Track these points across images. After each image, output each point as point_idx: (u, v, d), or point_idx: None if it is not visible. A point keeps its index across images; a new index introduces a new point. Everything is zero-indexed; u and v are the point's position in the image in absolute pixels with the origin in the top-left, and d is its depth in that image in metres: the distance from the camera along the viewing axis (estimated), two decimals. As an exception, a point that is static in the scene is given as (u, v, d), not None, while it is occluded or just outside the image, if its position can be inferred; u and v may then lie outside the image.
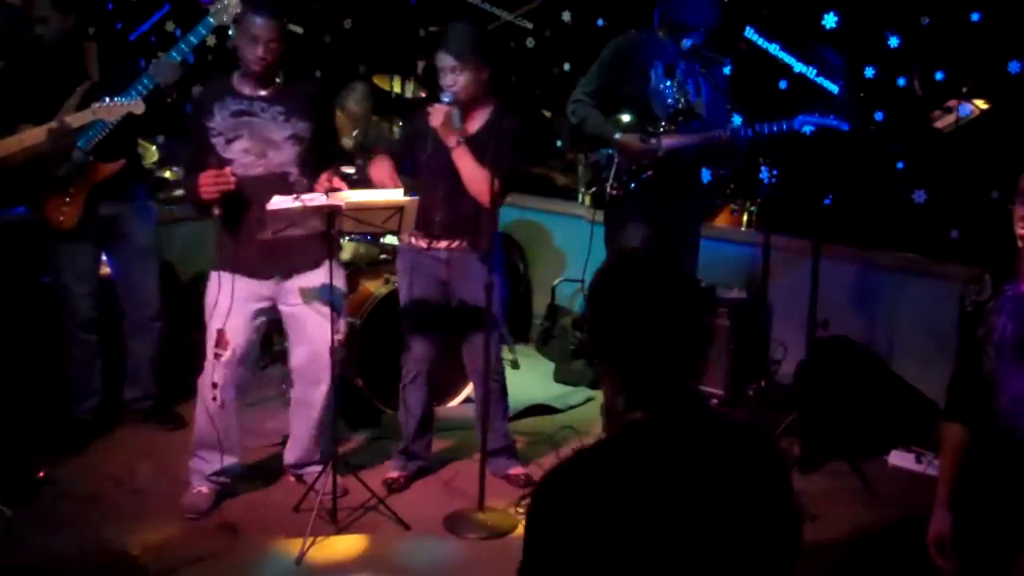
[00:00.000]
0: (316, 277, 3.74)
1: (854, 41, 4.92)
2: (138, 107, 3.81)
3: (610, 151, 4.20)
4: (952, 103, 4.78)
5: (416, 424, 4.08)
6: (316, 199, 3.45)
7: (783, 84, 5.12)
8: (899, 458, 4.37)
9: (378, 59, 6.43)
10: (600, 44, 4.34)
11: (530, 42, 6.15)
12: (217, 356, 3.72)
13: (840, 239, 4.85)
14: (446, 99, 3.68)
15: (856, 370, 4.66)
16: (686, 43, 4.13)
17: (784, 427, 4.30)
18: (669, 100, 4.18)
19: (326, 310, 3.73)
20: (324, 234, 3.52)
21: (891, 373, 4.69)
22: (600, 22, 5.89)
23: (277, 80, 3.72)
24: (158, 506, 3.85)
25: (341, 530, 3.69)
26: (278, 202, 3.43)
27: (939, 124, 4.82)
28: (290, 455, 4.05)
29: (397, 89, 6.01)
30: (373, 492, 3.83)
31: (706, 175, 4.99)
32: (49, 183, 4.04)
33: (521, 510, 3.83)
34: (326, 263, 3.69)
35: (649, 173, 4.19)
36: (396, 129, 5.94)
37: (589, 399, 5.10)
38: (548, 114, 6.25)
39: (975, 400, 2.63)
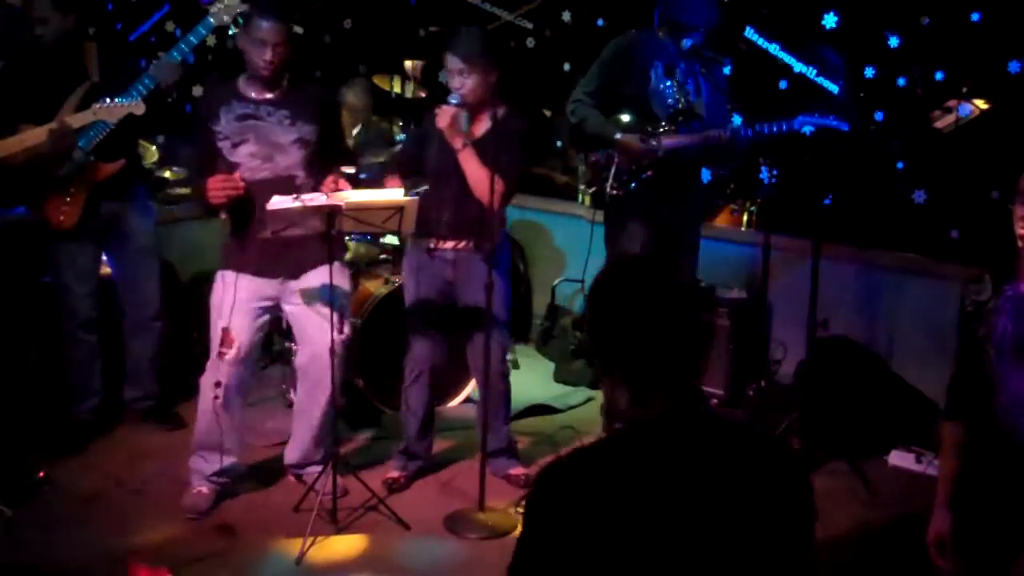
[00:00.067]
0: (320, 277, 3.74)
1: (854, 41, 4.92)
2: (139, 107, 3.82)
3: (610, 151, 4.20)
4: (952, 103, 4.77)
5: (418, 424, 4.08)
6: (316, 199, 3.46)
7: (783, 84, 5.11)
8: (899, 458, 4.37)
9: (378, 59, 6.43)
10: (600, 44, 4.34)
11: (530, 42, 6.15)
12: (221, 355, 3.73)
13: (840, 239, 4.85)
14: (453, 101, 3.68)
15: (856, 370, 4.66)
16: (686, 43, 4.13)
17: (784, 427, 4.30)
18: (669, 100, 4.18)
19: (328, 311, 3.73)
20: (324, 234, 3.53)
21: (891, 373, 4.69)
22: (600, 22, 5.89)
23: (283, 83, 3.72)
24: (158, 506, 3.85)
25: (341, 530, 3.69)
26: (278, 202, 3.43)
27: (939, 124, 4.82)
28: (291, 455, 4.05)
29: (397, 89, 6.01)
30: (373, 492, 3.83)
31: (706, 175, 4.99)
32: (50, 183, 4.04)
33: (521, 510, 3.83)
34: (335, 264, 3.71)
35: (649, 173, 4.19)
36: (396, 129, 5.95)
37: (589, 399, 5.10)
38: (548, 114, 6.25)
39: (975, 400, 2.63)
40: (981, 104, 4.73)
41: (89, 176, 4.08)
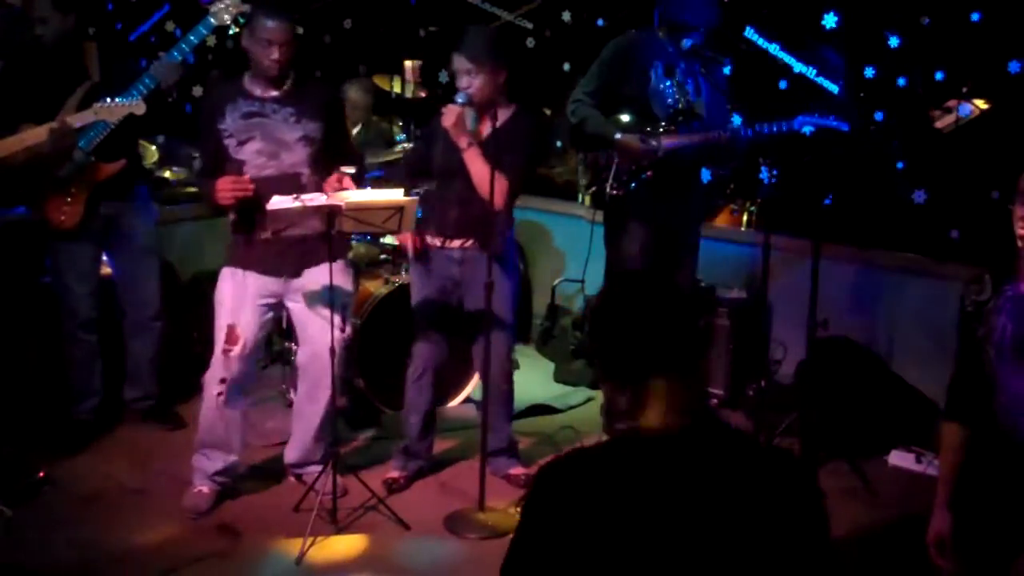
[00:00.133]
0: (324, 275, 3.73)
1: (854, 41, 4.92)
2: (139, 107, 3.82)
3: (610, 151, 4.20)
4: (952, 103, 4.77)
5: (419, 422, 4.08)
6: (316, 199, 3.46)
7: (783, 84, 5.11)
8: (899, 458, 4.37)
9: (378, 59, 6.43)
10: (600, 44, 4.34)
11: (530, 42, 6.16)
12: (226, 352, 3.73)
13: (840, 239, 4.84)
14: (460, 100, 3.68)
15: (856, 370, 4.66)
16: (686, 43, 4.13)
17: (784, 427, 4.30)
18: (669, 100, 4.18)
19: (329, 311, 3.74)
20: (324, 234, 3.53)
21: (891, 373, 4.69)
22: (600, 22, 5.89)
23: (288, 81, 3.73)
24: (158, 506, 3.85)
25: (341, 530, 3.69)
26: (278, 202, 3.44)
27: (939, 124, 4.82)
28: (291, 454, 4.05)
29: (397, 89, 6.01)
30: (373, 492, 3.83)
31: (706, 175, 4.99)
32: (50, 183, 4.04)
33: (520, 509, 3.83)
34: (337, 261, 3.72)
35: (649, 173, 4.19)
36: (396, 129, 5.95)
37: (589, 399, 5.10)
38: (548, 113, 6.25)
39: (975, 400, 2.63)
40: (981, 104, 4.73)
41: (90, 176, 4.08)
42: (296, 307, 3.84)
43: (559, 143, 6.23)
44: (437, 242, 3.92)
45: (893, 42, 4.91)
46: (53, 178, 4.03)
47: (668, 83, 4.18)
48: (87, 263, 4.27)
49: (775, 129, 4.04)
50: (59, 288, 4.30)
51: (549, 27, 6.08)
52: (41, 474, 3.94)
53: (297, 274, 3.79)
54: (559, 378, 5.38)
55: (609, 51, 4.26)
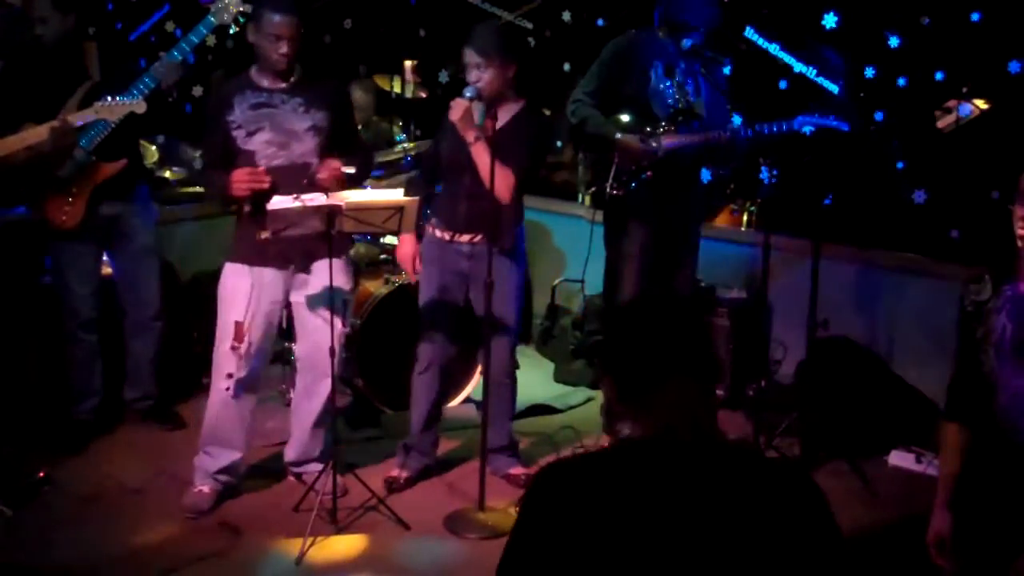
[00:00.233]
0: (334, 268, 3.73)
1: (854, 41, 4.92)
2: (140, 106, 3.82)
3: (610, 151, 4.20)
4: (952, 103, 4.78)
5: (423, 416, 4.07)
6: (316, 199, 3.46)
7: (783, 84, 5.12)
8: (899, 458, 4.37)
9: (378, 59, 6.43)
10: (600, 44, 4.35)
11: (530, 42, 6.15)
12: (234, 348, 3.73)
13: (840, 239, 4.85)
14: (468, 94, 3.67)
15: (856, 370, 4.66)
16: (686, 43, 4.13)
17: (784, 427, 4.30)
18: (669, 100, 4.18)
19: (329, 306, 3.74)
20: (324, 234, 3.53)
21: (891, 373, 4.69)
22: (600, 22, 5.89)
23: (295, 73, 3.74)
24: (158, 506, 3.85)
25: (341, 530, 3.69)
26: (278, 202, 3.44)
27: (939, 124, 4.82)
28: (290, 452, 4.06)
29: (397, 89, 6.01)
30: (373, 492, 3.83)
31: (706, 175, 4.99)
32: (51, 183, 4.04)
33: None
34: (342, 257, 3.73)
35: (648, 174, 4.19)
36: (396, 129, 5.95)
37: (589, 399, 5.10)
38: (548, 113, 6.25)
39: (975, 400, 2.63)
40: (981, 104, 4.73)
41: (91, 176, 4.08)
42: (298, 302, 3.85)
43: (559, 143, 6.23)
44: (446, 236, 3.93)
45: (893, 42, 4.91)
46: (54, 178, 4.03)
47: (668, 83, 4.18)
48: (88, 263, 4.27)
49: (775, 129, 4.04)
50: (60, 288, 4.30)
51: (549, 27, 6.08)
52: (41, 474, 3.94)
53: (306, 268, 3.79)
54: (559, 378, 5.38)
55: (609, 51, 4.26)
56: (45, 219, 4.11)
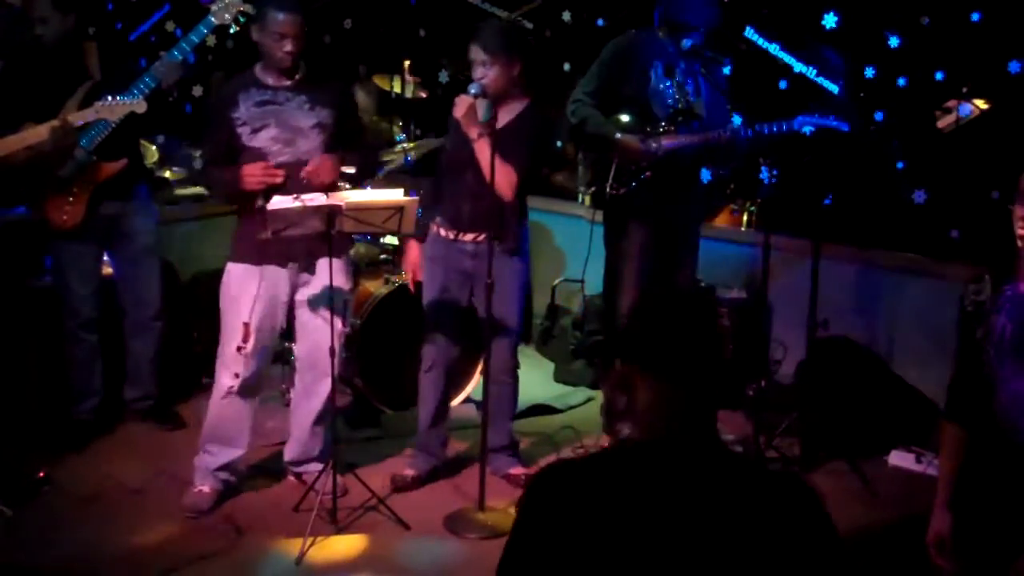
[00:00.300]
0: (334, 269, 3.73)
1: (854, 41, 4.92)
2: (140, 106, 3.82)
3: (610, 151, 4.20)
4: (952, 103, 4.78)
5: (430, 414, 4.07)
6: (316, 199, 3.46)
7: (783, 84, 5.12)
8: (899, 458, 4.37)
9: (378, 59, 6.43)
10: (600, 44, 4.34)
11: (530, 42, 6.15)
12: (239, 349, 3.73)
13: (840, 239, 4.85)
14: (473, 91, 3.67)
15: (856, 370, 4.66)
16: (686, 43, 4.13)
17: (784, 427, 4.30)
18: (669, 100, 4.18)
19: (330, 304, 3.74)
20: (324, 234, 3.53)
21: (891, 373, 4.69)
22: (600, 22, 5.89)
23: (300, 72, 3.74)
24: (158, 506, 3.85)
25: (341, 530, 3.69)
26: (278, 202, 3.44)
27: (939, 124, 4.82)
28: (290, 451, 4.06)
29: (397, 89, 6.01)
30: (373, 492, 3.83)
31: (706, 175, 4.99)
32: (52, 182, 4.04)
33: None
34: (342, 257, 3.73)
35: (648, 174, 4.19)
36: (396, 129, 5.95)
37: (589, 399, 5.10)
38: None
39: (975, 400, 2.63)
40: (981, 104, 4.73)
41: (92, 175, 4.08)
42: (300, 301, 3.85)
43: (559, 143, 6.23)
44: (450, 235, 3.92)
45: (893, 42, 4.91)
46: (55, 177, 4.03)
47: (668, 83, 4.18)
48: (89, 263, 4.27)
49: (775, 129, 4.04)
50: (60, 288, 4.30)
51: (549, 27, 6.08)
52: (41, 474, 3.94)
53: (309, 268, 3.80)
54: (559, 378, 5.38)
55: (609, 51, 4.26)
56: (46, 219, 4.11)
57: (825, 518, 1.64)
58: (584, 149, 4.35)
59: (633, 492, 1.61)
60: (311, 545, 3.55)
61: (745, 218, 5.50)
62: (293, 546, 3.57)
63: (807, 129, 4.04)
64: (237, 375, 3.76)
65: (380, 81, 6.11)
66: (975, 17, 4.66)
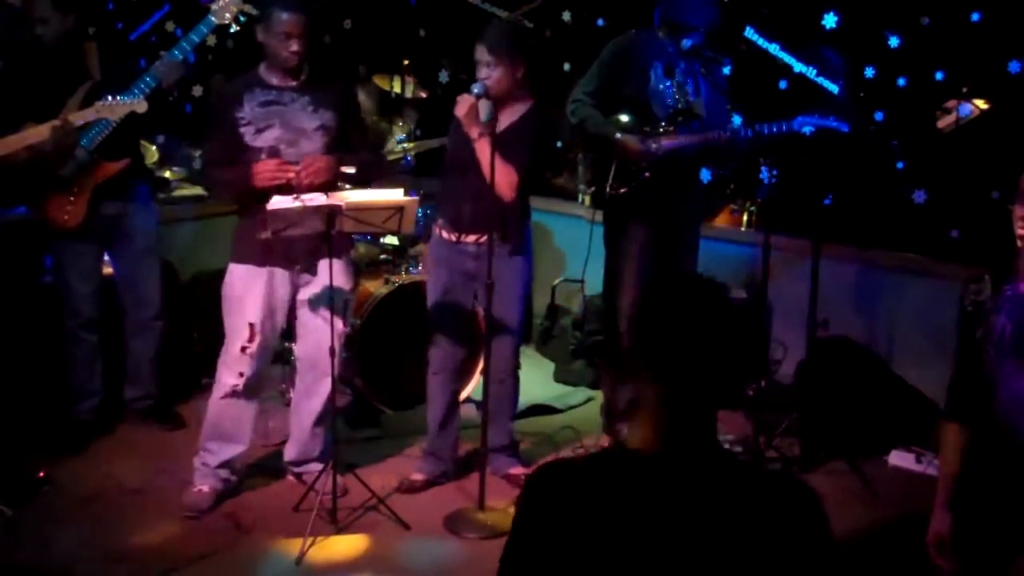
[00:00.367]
0: (335, 269, 3.73)
1: (854, 41, 4.92)
2: (141, 105, 3.82)
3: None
4: (952, 103, 4.78)
5: (438, 417, 4.07)
6: (316, 199, 3.46)
7: (783, 84, 5.12)
8: (899, 458, 4.37)
9: (378, 59, 6.43)
10: (600, 44, 4.34)
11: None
12: (244, 349, 3.73)
13: (840, 239, 4.85)
14: (476, 91, 3.67)
15: (856, 370, 4.66)
16: (686, 43, 4.13)
17: (784, 427, 4.30)
18: (669, 100, 4.18)
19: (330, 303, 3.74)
20: (324, 234, 3.53)
21: (891, 373, 4.69)
22: (600, 22, 5.89)
23: (304, 72, 3.75)
24: (158, 506, 3.85)
25: (341, 530, 3.69)
26: (278, 202, 3.44)
27: (939, 124, 4.82)
28: (289, 451, 4.06)
29: (397, 89, 6.01)
30: (373, 492, 3.83)
31: (706, 175, 4.99)
32: (53, 182, 4.04)
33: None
34: (342, 257, 3.73)
35: (647, 174, 4.18)
36: (396, 129, 5.94)
37: (589, 399, 5.10)
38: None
39: (975, 400, 2.63)
40: (981, 104, 4.73)
41: (93, 175, 4.08)
42: (300, 300, 3.85)
43: (559, 143, 6.23)
44: (452, 237, 3.92)
45: (893, 42, 4.91)
46: (56, 177, 4.03)
47: (668, 83, 4.18)
48: (89, 262, 4.27)
49: (775, 129, 4.04)
50: (61, 287, 4.30)
51: (549, 27, 6.08)
52: (41, 474, 3.94)
53: (310, 268, 3.80)
54: (559, 378, 5.38)
55: (609, 51, 4.26)
56: (46, 219, 4.11)
57: (821, 519, 1.64)
58: (584, 149, 4.34)
59: (630, 492, 1.61)
60: (311, 545, 3.56)
61: (745, 218, 5.50)
62: (293, 546, 3.57)
63: (807, 129, 4.04)
64: (242, 374, 3.76)
65: (380, 81, 6.11)
66: (975, 17, 4.66)
